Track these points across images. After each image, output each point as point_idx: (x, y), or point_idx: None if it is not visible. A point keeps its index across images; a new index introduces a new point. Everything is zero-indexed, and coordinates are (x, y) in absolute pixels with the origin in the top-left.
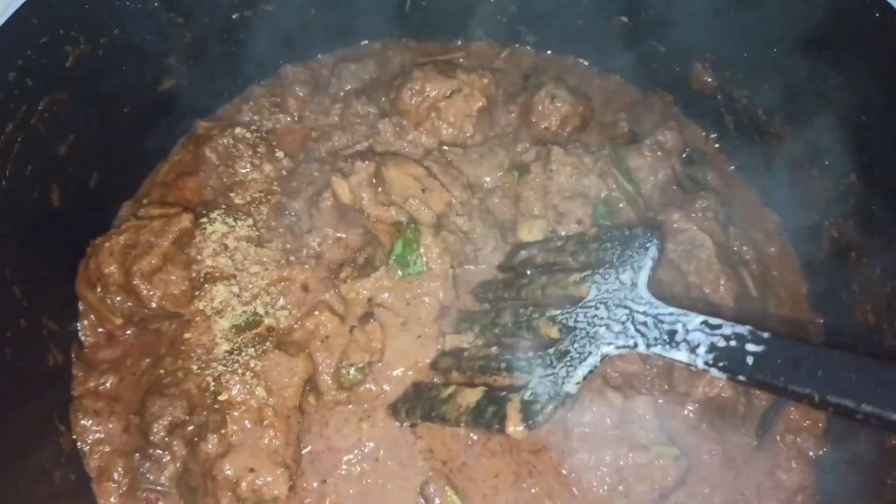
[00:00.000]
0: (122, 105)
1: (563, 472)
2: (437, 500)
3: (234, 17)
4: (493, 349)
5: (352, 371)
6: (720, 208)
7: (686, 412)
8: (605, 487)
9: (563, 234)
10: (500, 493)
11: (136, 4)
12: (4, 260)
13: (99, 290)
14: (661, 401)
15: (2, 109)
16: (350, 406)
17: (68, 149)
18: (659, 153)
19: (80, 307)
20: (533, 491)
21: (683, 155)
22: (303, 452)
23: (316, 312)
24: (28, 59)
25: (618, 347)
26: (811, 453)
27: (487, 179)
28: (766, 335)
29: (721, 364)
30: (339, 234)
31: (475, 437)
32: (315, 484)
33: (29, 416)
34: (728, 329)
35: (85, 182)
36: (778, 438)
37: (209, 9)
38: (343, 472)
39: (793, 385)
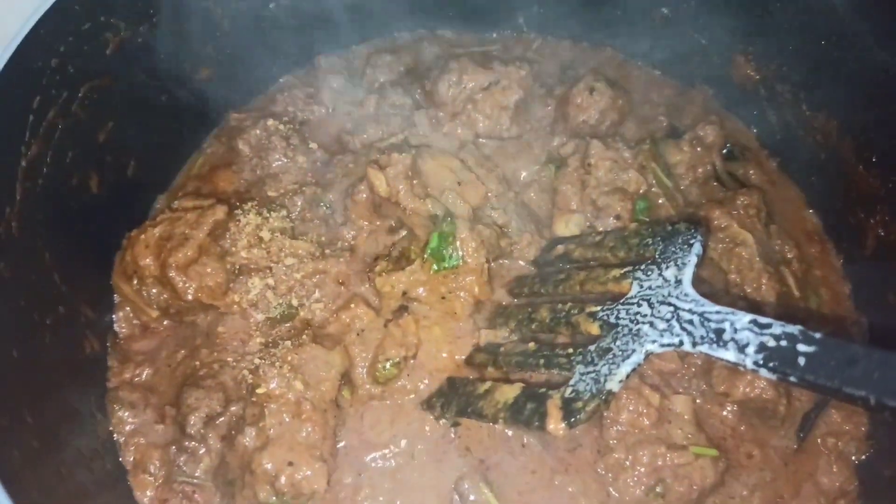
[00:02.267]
0: (160, 93)
1: (599, 470)
2: (471, 497)
3: (271, 6)
4: (531, 345)
5: (387, 366)
6: (762, 206)
7: (725, 413)
8: (643, 487)
9: (600, 229)
10: (535, 490)
11: None
12: (45, 245)
13: (135, 282)
14: (699, 401)
15: (44, 95)
16: (385, 401)
17: (107, 136)
18: (699, 148)
19: (116, 299)
20: (569, 489)
21: (724, 150)
22: (338, 447)
23: (351, 305)
24: (70, 46)
25: (662, 345)
26: (853, 457)
27: (523, 173)
28: (817, 335)
29: (771, 364)
30: (373, 227)
31: (510, 434)
32: (350, 478)
33: (68, 402)
34: (778, 329)
35: (122, 170)
36: (819, 441)
37: None
38: (377, 467)
39: (847, 387)
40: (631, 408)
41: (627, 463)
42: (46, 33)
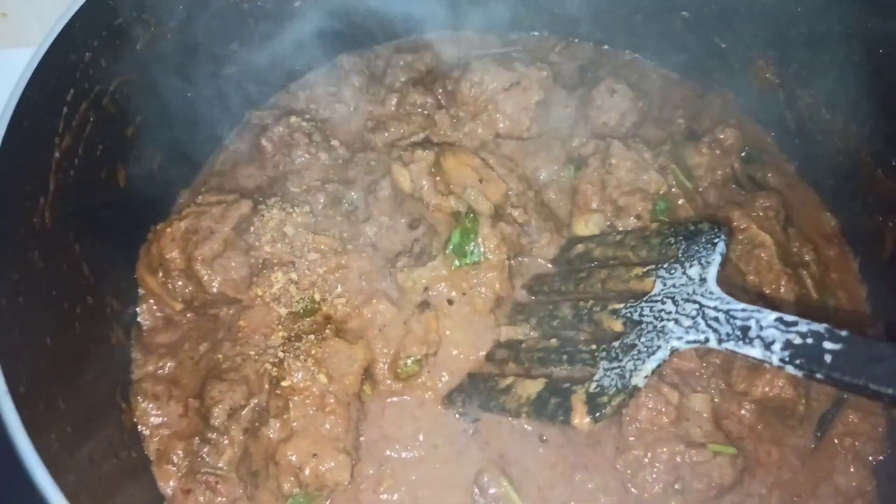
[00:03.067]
0: (186, 89)
1: (618, 467)
2: (491, 490)
3: (296, 3)
4: (553, 341)
5: (409, 362)
6: (781, 208)
7: (743, 412)
8: (661, 485)
9: (620, 228)
10: (554, 485)
11: None
12: (76, 236)
13: (160, 274)
14: (717, 399)
15: (78, 88)
16: (406, 396)
17: (135, 131)
18: (718, 151)
19: (140, 292)
20: (588, 486)
21: (743, 153)
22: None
23: (373, 301)
24: (103, 41)
25: (688, 342)
26: (871, 458)
27: (543, 173)
28: (843, 333)
29: (798, 362)
30: (395, 223)
31: (530, 429)
32: (371, 471)
33: (96, 391)
34: (804, 326)
35: (148, 165)
36: (836, 441)
37: None
38: (398, 460)
39: (874, 384)
40: (650, 405)
41: (646, 460)
42: (81, 28)
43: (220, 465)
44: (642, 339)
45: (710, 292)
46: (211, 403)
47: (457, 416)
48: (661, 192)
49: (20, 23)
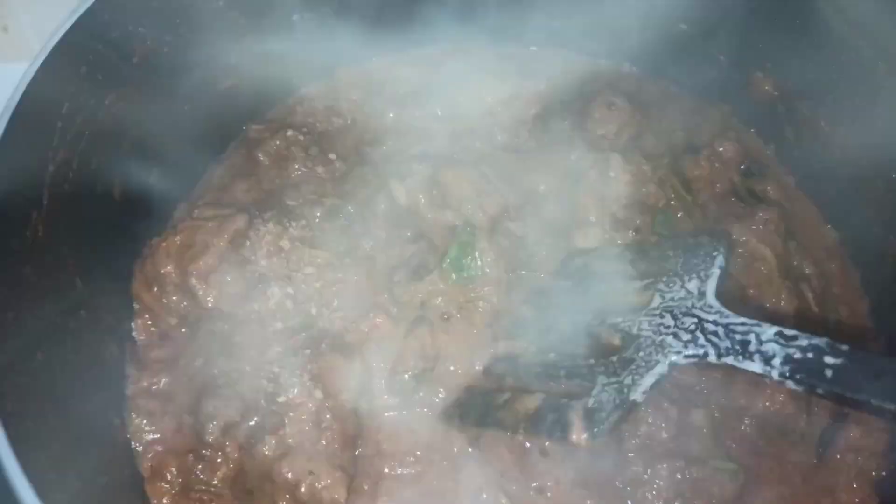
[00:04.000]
0: (183, 103)
1: (618, 484)
2: None
3: (294, 17)
4: (551, 355)
5: (406, 377)
6: (781, 221)
7: (744, 427)
8: (662, 501)
9: (619, 241)
10: (553, 503)
11: (201, 3)
12: (69, 251)
13: (155, 289)
14: (717, 414)
15: (73, 102)
16: (403, 411)
17: (131, 145)
18: (717, 164)
19: (135, 307)
20: (588, 502)
21: (742, 166)
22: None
23: (370, 315)
24: (98, 54)
25: (687, 356)
26: (874, 474)
27: (542, 186)
28: (844, 348)
29: (798, 376)
30: (392, 237)
31: (529, 445)
32: (367, 487)
33: (88, 407)
34: (804, 341)
35: (144, 179)
36: (838, 457)
37: (271, 9)
38: (395, 477)
39: (875, 399)
40: (650, 420)
41: (646, 476)
42: (77, 40)
43: (214, 482)
44: (641, 354)
45: (710, 306)
46: (205, 420)
47: (455, 430)
48: (660, 205)
49: (20, 36)
